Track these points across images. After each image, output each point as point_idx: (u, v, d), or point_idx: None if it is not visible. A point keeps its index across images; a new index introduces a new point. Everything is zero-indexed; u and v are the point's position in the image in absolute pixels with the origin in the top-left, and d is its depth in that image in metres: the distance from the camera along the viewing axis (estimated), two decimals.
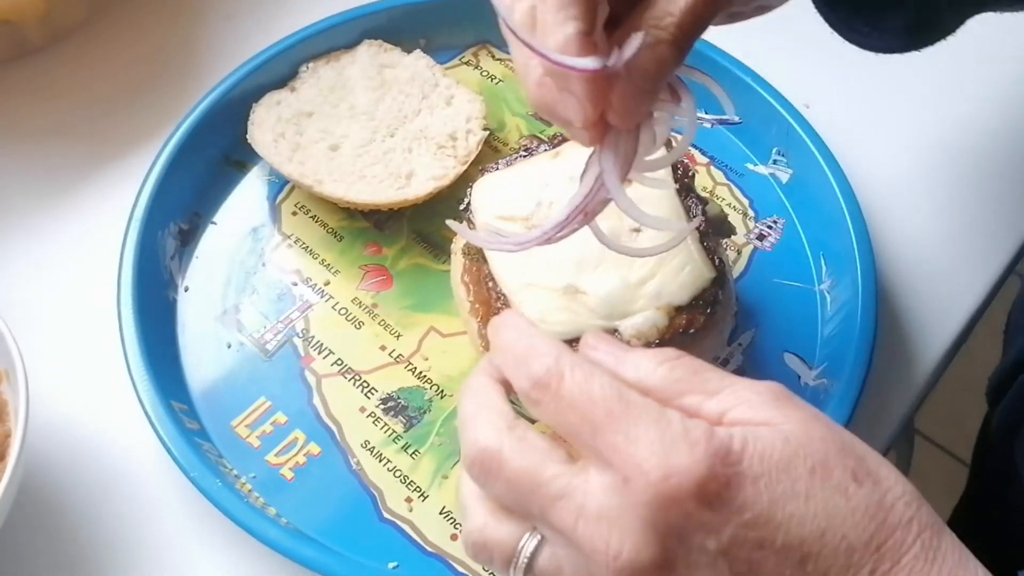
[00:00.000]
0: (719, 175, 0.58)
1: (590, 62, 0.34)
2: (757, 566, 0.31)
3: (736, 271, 0.54)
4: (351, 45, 0.61)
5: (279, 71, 0.59)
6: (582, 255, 0.45)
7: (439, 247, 0.56)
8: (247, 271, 0.55)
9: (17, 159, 0.59)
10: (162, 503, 0.49)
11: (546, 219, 0.46)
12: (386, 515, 0.48)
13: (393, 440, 0.50)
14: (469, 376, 0.37)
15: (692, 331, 0.44)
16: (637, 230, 0.45)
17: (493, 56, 0.63)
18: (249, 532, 0.45)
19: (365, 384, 0.52)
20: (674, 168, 0.48)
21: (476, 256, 0.49)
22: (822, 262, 0.55)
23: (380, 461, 0.49)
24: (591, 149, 0.38)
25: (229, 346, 0.53)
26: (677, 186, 0.47)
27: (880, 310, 0.51)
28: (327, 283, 0.55)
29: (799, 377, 0.52)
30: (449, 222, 0.45)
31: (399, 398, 0.51)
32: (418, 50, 0.61)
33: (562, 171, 0.47)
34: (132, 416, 0.50)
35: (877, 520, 0.32)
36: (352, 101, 0.58)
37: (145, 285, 0.52)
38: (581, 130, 0.36)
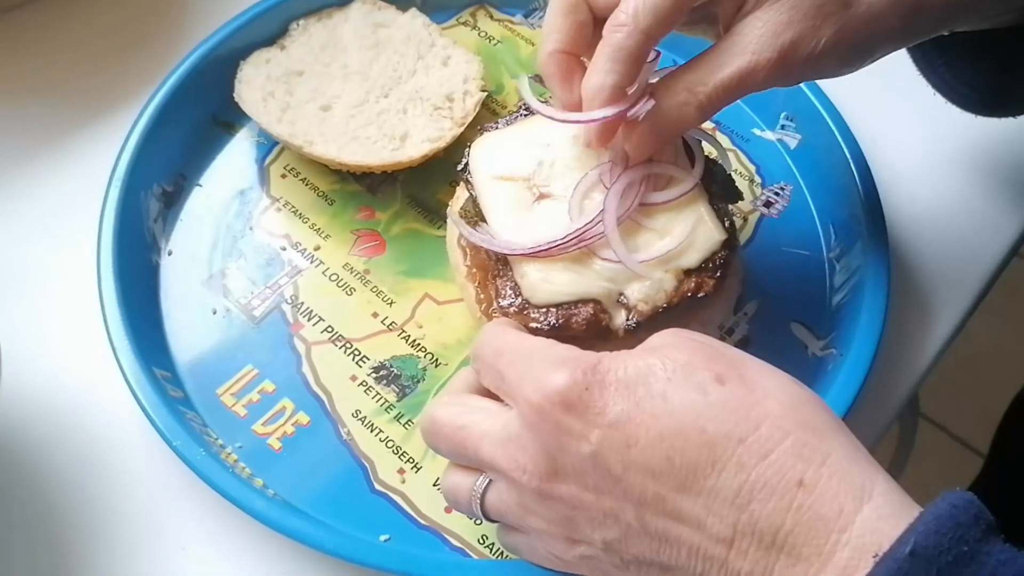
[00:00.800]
0: (725, 140, 0.56)
1: (610, 111, 0.40)
2: (631, 467, 0.34)
3: (742, 239, 0.53)
4: (344, 2, 0.58)
5: (268, 28, 0.57)
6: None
7: (434, 212, 0.54)
8: (234, 235, 0.53)
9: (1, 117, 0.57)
10: (145, 474, 0.47)
11: (548, 179, 0.44)
12: (378, 487, 0.46)
13: (385, 410, 0.48)
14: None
15: (701, 295, 0.42)
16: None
17: (491, 16, 0.61)
18: (234, 503, 0.43)
19: (356, 352, 0.50)
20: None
21: (474, 220, 0.47)
22: (831, 230, 0.53)
23: (372, 431, 0.47)
24: (595, 165, 0.43)
25: (215, 312, 0.51)
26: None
27: (891, 279, 0.50)
28: (317, 248, 0.53)
29: (806, 347, 0.50)
30: (452, 217, 0.44)
31: (392, 367, 0.49)
32: (414, 8, 0.59)
33: (564, 130, 0.45)
34: (113, 384, 0.48)
35: (738, 415, 0.33)
36: (345, 60, 0.56)
37: (126, 248, 0.50)
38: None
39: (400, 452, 0.47)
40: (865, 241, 0.50)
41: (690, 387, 0.34)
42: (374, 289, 0.51)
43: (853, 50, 0.40)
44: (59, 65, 0.59)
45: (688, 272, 0.42)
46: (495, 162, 0.46)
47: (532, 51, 0.60)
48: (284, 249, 0.53)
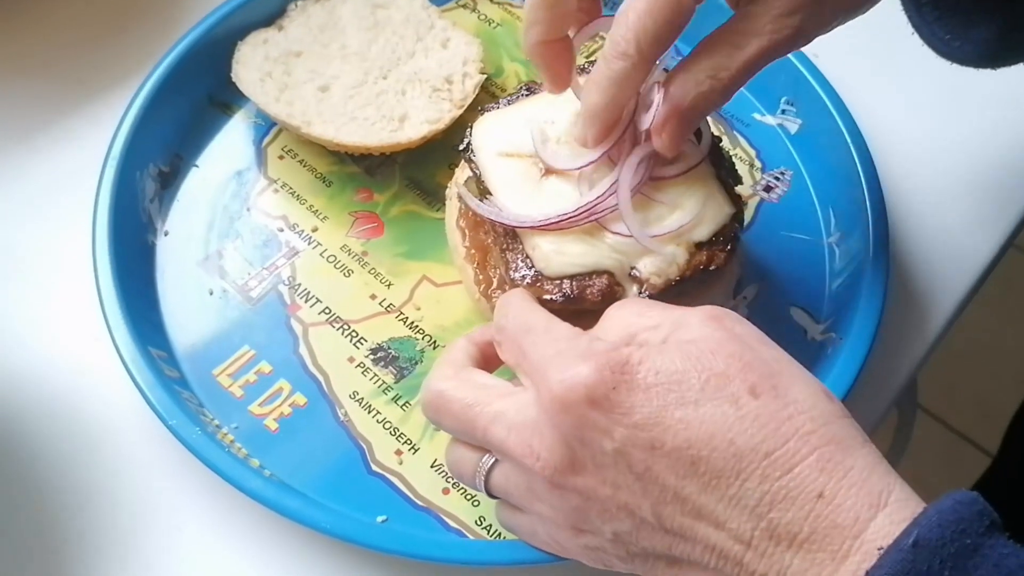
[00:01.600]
0: (724, 125, 0.56)
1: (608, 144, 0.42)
2: (654, 467, 0.34)
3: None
4: None
5: (266, 9, 0.56)
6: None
7: (433, 194, 0.53)
8: (231, 216, 0.53)
9: None
10: (140, 454, 0.46)
11: (554, 155, 0.44)
12: (375, 468, 0.46)
13: (383, 391, 0.48)
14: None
15: (712, 268, 0.42)
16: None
17: None
18: (230, 482, 0.43)
19: (354, 334, 0.49)
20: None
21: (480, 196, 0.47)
22: (831, 215, 0.53)
23: (369, 413, 0.47)
24: (602, 150, 0.42)
25: (211, 292, 0.50)
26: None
27: (890, 264, 0.49)
28: (315, 229, 0.52)
29: (806, 332, 0.50)
30: (460, 190, 0.44)
31: (390, 348, 0.49)
32: None
33: (568, 108, 0.45)
34: (109, 364, 0.47)
35: (768, 429, 0.34)
36: (343, 41, 0.56)
37: (122, 228, 0.50)
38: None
39: (398, 433, 0.47)
40: (865, 226, 0.50)
41: (723, 399, 0.34)
42: (372, 271, 0.51)
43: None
44: (55, 44, 0.58)
45: (699, 245, 0.42)
46: (499, 140, 0.45)
47: None
48: (281, 230, 0.52)
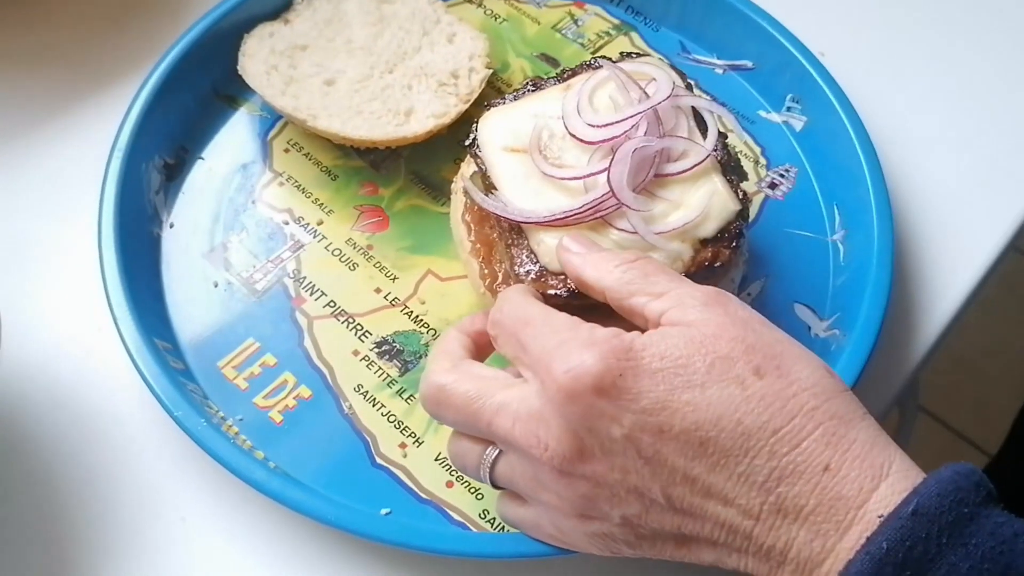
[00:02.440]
0: (730, 122, 0.56)
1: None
2: (663, 450, 0.35)
3: None
4: None
5: (272, 2, 0.56)
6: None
7: (438, 188, 0.53)
8: (236, 208, 0.53)
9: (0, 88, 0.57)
10: (144, 445, 0.46)
11: (560, 150, 0.44)
12: (379, 460, 0.46)
13: (388, 384, 0.48)
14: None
15: (717, 265, 0.42)
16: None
17: None
18: (235, 473, 0.43)
19: (359, 327, 0.49)
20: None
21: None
22: (835, 212, 0.53)
23: (374, 406, 0.47)
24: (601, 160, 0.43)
25: (216, 285, 0.50)
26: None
27: (895, 261, 0.49)
28: (320, 223, 0.52)
29: (809, 328, 0.50)
30: (466, 184, 0.44)
31: (394, 342, 0.49)
32: None
33: (575, 103, 0.45)
34: (114, 355, 0.47)
35: (774, 408, 0.34)
36: (349, 35, 0.56)
37: (128, 219, 0.50)
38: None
39: (402, 427, 0.47)
40: (870, 224, 0.50)
41: (728, 380, 0.35)
42: (377, 265, 0.51)
43: None
44: (62, 36, 0.58)
45: (704, 242, 0.42)
46: (504, 135, 0.45)
47: (537, 30, 0.59)
48: (287, 223, 0.52)
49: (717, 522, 0.35)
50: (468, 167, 0.49)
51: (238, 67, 0.54)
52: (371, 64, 0.55)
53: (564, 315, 0.38)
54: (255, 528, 0.44)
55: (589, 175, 0.42)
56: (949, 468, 0.34)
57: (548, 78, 0.49)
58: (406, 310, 0.50)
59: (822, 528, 0.33)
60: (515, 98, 0.48)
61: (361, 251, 0.52)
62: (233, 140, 0.55)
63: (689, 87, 0.47)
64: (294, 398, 0.47)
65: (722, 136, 0.45)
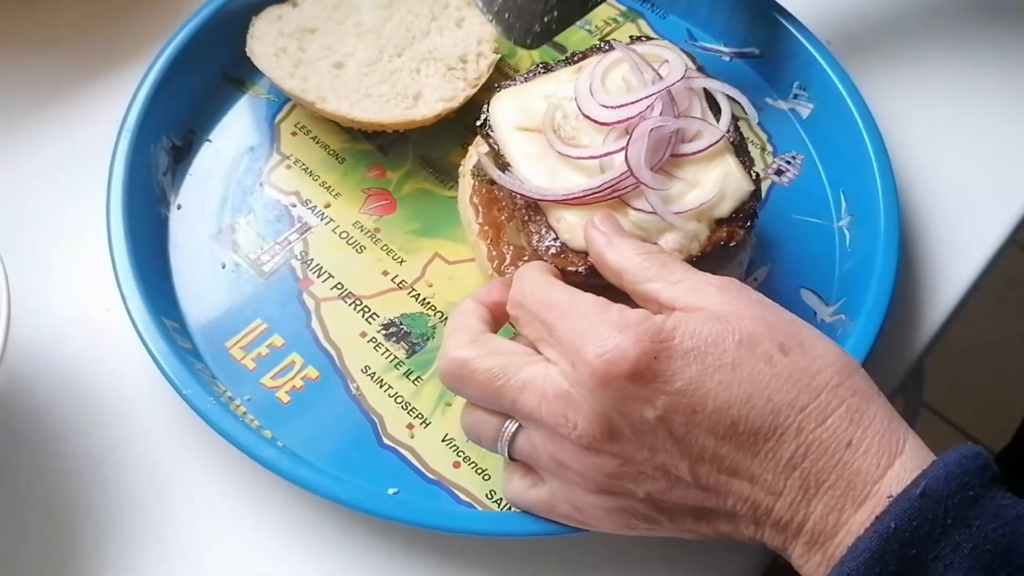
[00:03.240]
0: (737, 108, 0.56)
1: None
2: (694, 430, 0.35)
3: None
4: None
5: None
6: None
7: (445, 172, 0.54)
8: (244, 190, 0.53)
9: (9, 67, 0.56)
10: (152, 424, 0.46)
11: (574, 129, 0.44)
12: (386, 441, 0.46)
13: (395, 366, 0.48)
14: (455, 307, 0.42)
15: (732, 244, 0.42)
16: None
17: None
18: (244, 451, 0.43)
19: (366, 309, 0.49)
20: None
21: (487, 178, 0.47)
22: (841, 199, 0.53)
23: (381, 387, 0.47)
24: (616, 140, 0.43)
25: (224, 266, 0.50)
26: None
27: (901, 248, 0.50)
28: (327, 205, 0.53)
29: (815, 313, 0.50)
30: (481, 160, 0.44)
31: (401, 324, 0.49)
32: None
33: (588, 84, 0.45)
34: (121, 335, 0.48)
35: (800, 384, 0.35)
36: (358, 19, 0.56)
37: (136, 199, 0.50)
38: None
39: (409, 408, 0.47)
40: (876, 211, 0.50)
41: (757, 358, 0.36)
42: (384, 247, 0.51)
43: None
44: (70, 17, 0.58)
45: (719, 222, 0.43)
46: (517, 114, 0.45)
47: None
48: (294, 206, 0.52)
49: (740, 497, 0.36)
50: (476, 151, 0.49)
51: (246, 49, 0.54)
52: (380, 48, 0.55)
53: (590, 296, 0.38)
54: (263, 507, 0.44)
55: (605, 155, 0.43)
56: (956, 451, 0.35)
57: (558, 61, 0.49)
58: (413, 292, 0.50)
59: (839, 503, 0.34)
60: (526, 79, 0.48)
61: (368, 234, 0.52)
62: (240, 123, 0.55)
63: (700, 70, 0.47)
64: (301, 379, 0.47)
65: (735, 118, 0.45)
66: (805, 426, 0.35)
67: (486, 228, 0.47)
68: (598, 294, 0.38)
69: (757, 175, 0.44)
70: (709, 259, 0.42)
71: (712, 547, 0.43)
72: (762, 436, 0.35)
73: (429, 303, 0.50)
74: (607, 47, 0.47)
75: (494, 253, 0.47)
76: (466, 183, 0.50)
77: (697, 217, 0.42)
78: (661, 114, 0.43)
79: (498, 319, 0.41)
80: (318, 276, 0.50)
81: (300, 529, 0.44)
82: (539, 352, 0.39)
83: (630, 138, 0.42)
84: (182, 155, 0.54)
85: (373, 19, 0.56)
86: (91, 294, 0.49)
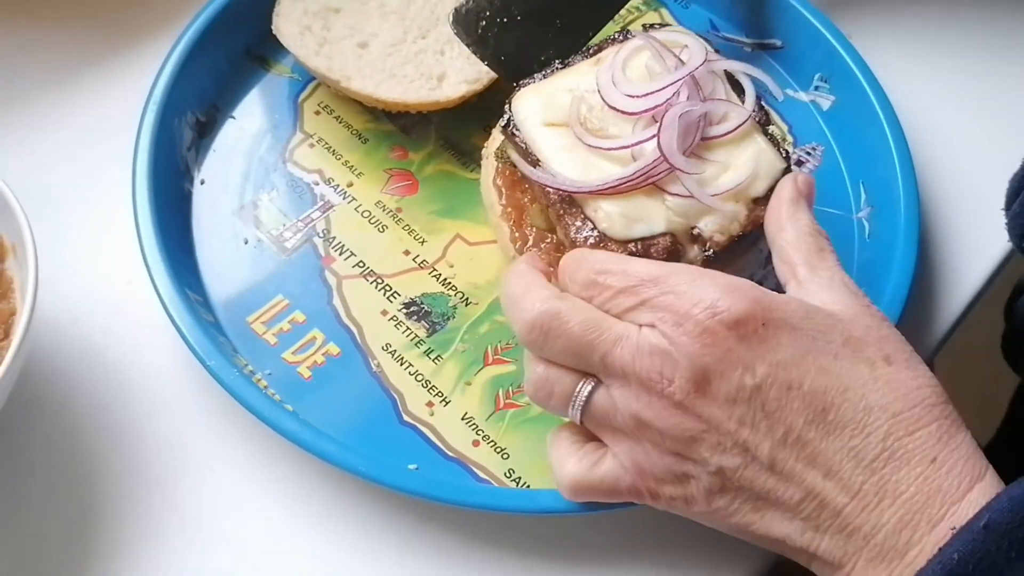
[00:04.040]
0: (769, 84, 0.56)
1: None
2: (787, 406, 0.35)
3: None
4: None
5: None
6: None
7: (467, 154, 0.54)
8: (267, 167, 0.53)
9: (37, 39, 0.57)
10: (174, 396, 0.47)
11: (601, 120, 0.44)
12: (406, 418, 0.46)
13: (415, 344, 0.48)
14: (510, 268, 0.41)
15: None
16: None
17: None
18: (267, 423, 0.43)
19: (388, 288, 0.50)
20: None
21: (510, 160, 0.47)
22: (861, 190, 0.53)
23: (401, 365, 0.48)
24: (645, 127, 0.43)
25: (246, 242, 0.51)
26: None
27: (920, 240, 0.50)
28: (350, 184, 0.53)
29: None
30: (514, 159, 0.45)
31: (423, 303, 0.49)
32: None
33: (609, 75, 0.45)
34: (145, 307, 0.48)
35: (898, 392, 0.36)
36: (382, 0, 0.56)
37: (160, 173, 0.50)
38: None
39: (429, 386, 0.47)
40: (896, 202, 0.51)
41: (860, 359, 0.36)
42: (406, 227, 0.52)
43: None
44: None
45: (756, 201, 0.43)
46: (541, 110, 0.46)
47: None
48: (317, 184, 0.53)
49: (811, 493, 0.35)
50: (499, 132, 0.49)
51: (272, 27, 0.54)
52: (404, 28, 0.55)
53: (683, 264, 0.39)
54: (283, 479, 0.45)
55: (636, 143, 0.43)
56: (1021, 484, 0.34)
57: (575, 55, 0.49)
58: (434, 272, 0.50)
59: (915, 519, 0.34)
60: (544, 76, 0.48)
61: (391, 213, 0.52)
62: (264, 100, 0.55)
63: (716, 53, 0.47)
64: (323, 355, 0.48)
65: (759, 97, 0.46)
66: (893, 431, 0.35)
67: (509, 210, 0.48)
68: None
69: (787, 152, 0.45)
70: (748, 238, 0.43)
71: (717, 548, 0.43)
72: (849, 430, 0.35)
73: (450, 283, 0.50)
74: (623, 37, 0.47)
75: (517, 235, 0.47)
76: (489, 165, 0.50)
77: (735, 198, 0.43)
78: (688, 99, 0.43)
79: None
80: (340, 254, 0.51)
81: (318, 502, 0.45)
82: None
83: (661, 125, 0.42)
84: (206, 131, 0.54)
85: (398, 0, 0.56)
86: (114, 266, 0.50)
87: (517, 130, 0.46)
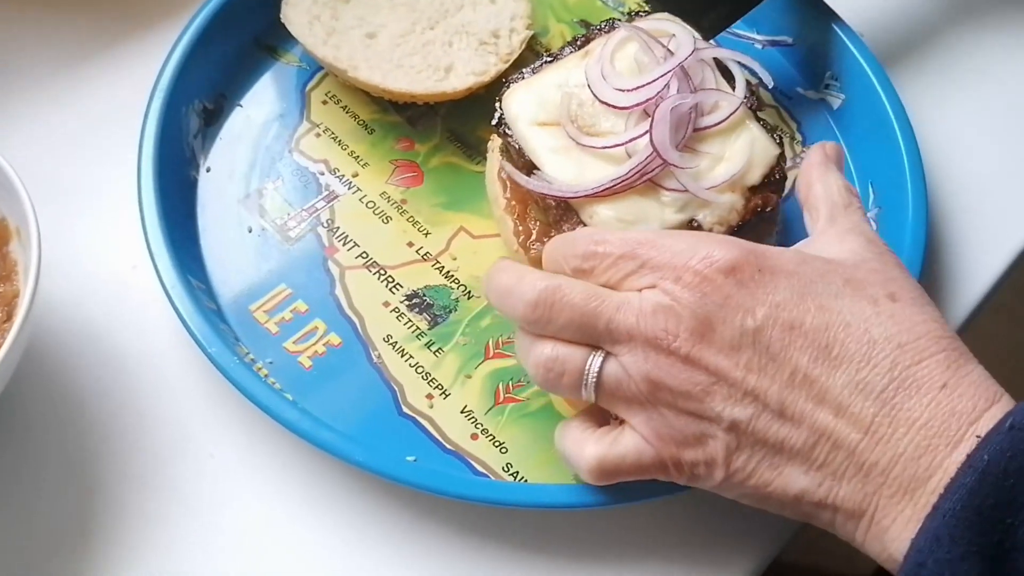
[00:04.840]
0: (767, 96, 0.56)
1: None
2: (790, 346, 0.35)
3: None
4: None
5: None
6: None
7: (473, 147, 0.54)
8: (272, 156, 0.53)
9: (46, 26, 0.57)
10: (175, 382, 0.47)
11: (593, 116, 0.44)
12: (406, 410, 0.46)
13: (416, 336, 0.48)
14: (492, 266, 0.41)
15: (768, 210, 0.43)
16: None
17: None
18: (266, 411, 0.43)
19: (390, 279, 0.50)
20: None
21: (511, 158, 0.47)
22: (870, 190, 0.53)
23: (402, 356, 0.47)
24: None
25: (250, 230, 0.51)
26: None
27: (928, 241, 0.50)
28: (355, 175, 0.53)
29: None
30: (506, 168, 0.45)
31: (425, 295, 0.49)
32: None
33: (598, 70, 0.45)
34: (147, 293, 0.48)
35: (902, 326, 0.36)
36: None
37: (166, 159, 0.50)
38: None
39: (429, 378, 0.47)
40: (905, 203, 0.50)
41: (862, 296, 0.36)
42: (410, 219, 0.51)
43: None
44: None
45: (752, 189, 0.43)
46: (532, 109, 0.45)
47: None
48: (322, 174, 0.53)
49: (824, 433, 0.35)
50: (496, 143, 0.49)
51: (281, 15, 0.54)
52: (413, 20, 0.55)
53: (678, 230, 0.40)
54: (282, 468, 0.45)
55: (629, 140, 0.43)
56: None
57: (564, 46, 0.49)
58: (437, 265, 0.50)
59: (932, 443, 0.34)
60: (533, 71, 0.48)
61: (395, 205, 0.52)
62: (271, 89, 0.55)
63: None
64: (324, 345, 0.48)
65: (749, 84, 0.45)
66: (900, 361, 0.35)
67: (513, 203, 0.48)
68: None
69: (780, 137, 0.44)
70: (746, 227, 0.42)
71: (715, 544, 0.43)
72: (855, 363, 0.35)
73: (453, 276, 0.50)
74: (608, 27, 0.47)
75: (520, 228, 0.47)
76: (494, 158, 0.50)
77: (731, 188, 0.42)
78: (678, 91, 0.43)
79: None
80: (343, 244, 0.51)
81: (316, 491, 0.45)
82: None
83: (652, 120, 0.42)
84: (213, 119, 0.54)
85: None
86: (118, 251, 0.50)
87: (509, 129, 0.46)
